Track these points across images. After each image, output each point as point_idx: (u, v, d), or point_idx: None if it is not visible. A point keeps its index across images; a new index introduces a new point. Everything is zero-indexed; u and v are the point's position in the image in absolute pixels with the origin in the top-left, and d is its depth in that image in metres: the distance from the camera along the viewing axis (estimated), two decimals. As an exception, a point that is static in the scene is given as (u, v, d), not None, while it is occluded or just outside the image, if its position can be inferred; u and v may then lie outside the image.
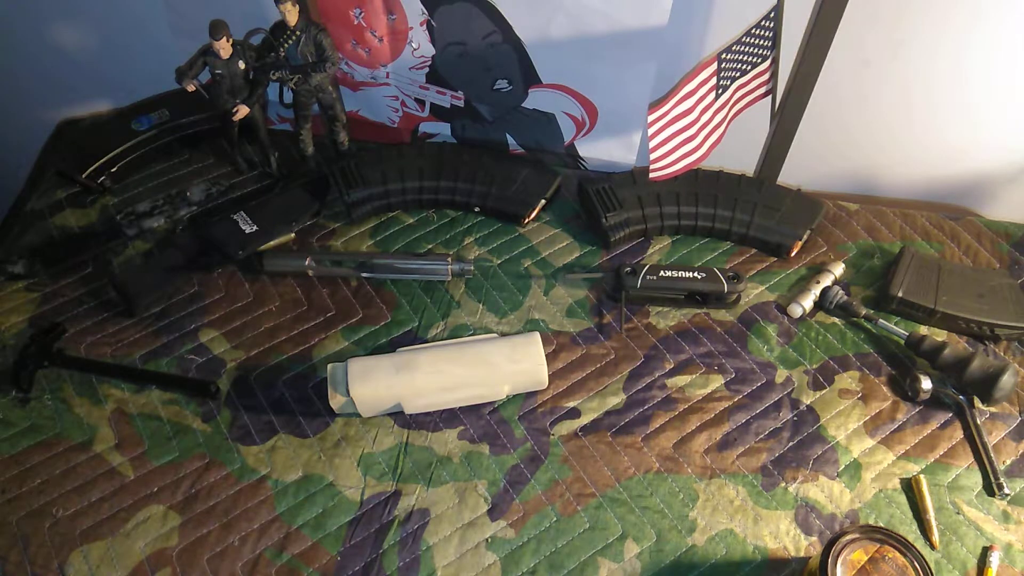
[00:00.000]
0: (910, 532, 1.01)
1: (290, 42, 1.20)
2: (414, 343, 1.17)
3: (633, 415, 1.11)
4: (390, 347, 1.17)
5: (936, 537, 0.99)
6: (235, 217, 1.25)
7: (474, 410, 1.11)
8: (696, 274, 1.19)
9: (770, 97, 1.27)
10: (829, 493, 1.04)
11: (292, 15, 1.17)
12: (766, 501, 1.03)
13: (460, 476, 1.05)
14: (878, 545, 0.87)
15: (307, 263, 1.23)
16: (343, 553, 0.98)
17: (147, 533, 0.99)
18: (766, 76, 1.24)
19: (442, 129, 1.45)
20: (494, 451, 1.07)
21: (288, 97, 1.31)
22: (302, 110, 1.32)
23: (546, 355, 1.10)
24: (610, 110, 1.34)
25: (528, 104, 1.36)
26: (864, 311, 1.20)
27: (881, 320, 1.19)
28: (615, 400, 1.12)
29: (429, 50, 1.30)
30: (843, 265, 1.26)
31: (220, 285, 1.24)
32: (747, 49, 1.16)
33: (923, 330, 1.19)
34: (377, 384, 1.05)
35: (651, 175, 1.21)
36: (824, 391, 1.13)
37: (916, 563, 0.85)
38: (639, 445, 1.08)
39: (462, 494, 1.03)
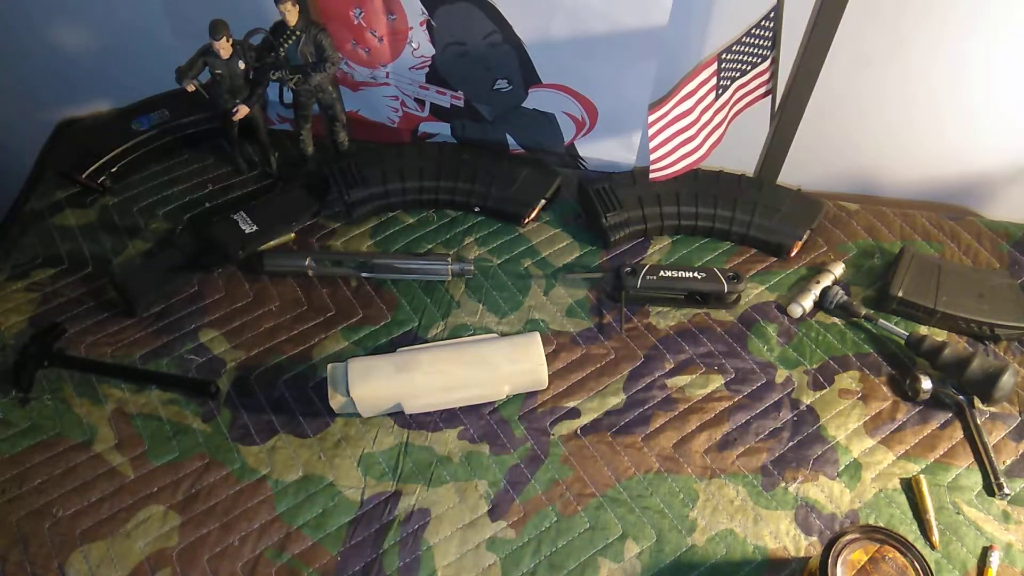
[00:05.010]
0: (910, 532, 1.00)
1: (290, 42, 1.20)
2: (414, 343, 1.16)
3: (633, 415, 1.11)
4: (390, 347, 1.16)
5: (936, 537, 0.99)
6: (235, 217, 1.25)
7: (474, 410, 1.11)
8: (696, 274, 1.19)
9: (770, 97, 1.27)
10: (829, 493, 1.04)
11: (292, 15, 1.17)
12: (766, 501, 1.03)
13: (460, 476, 1.05)
14: (878, 545, 0.87)
15: (307, 263, 1.23)
16: (343, 553, 0.98)
17: (147, 533, 0.99)
18: (766, 76, 1.24)
19: (442, 129, 1.45)
20: (494, 451, 1.07)
21: (288, 97, 1.31)
22: (302, 110, 1.32)
23: (546, 355, 1.10)
24: (610, 110, 1.34)
25: (528, 104, 1.36)
26: (864, 311, 1.20)
27: (881, 320, 1.19)
28: (615, 400, 1.12)
29: (429, 50, 1.30)
30: (843, 265, 1.26)
31: (220, 285, 1.24)
32: (747, 49, 1.16)
33: (923, 330, 1.19)
34: (377, 384, 1.05)
35: (651, 175, 1.21)
36: (824, 391, 1.13)
37: (916, 563, 0.85)
38: (639, 445, 1.08)
39: (462, 494, 1.03)
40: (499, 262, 1.28)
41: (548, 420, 1.10)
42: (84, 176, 1.34)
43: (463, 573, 0.97)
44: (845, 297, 1.21)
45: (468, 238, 1.31)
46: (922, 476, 1.04)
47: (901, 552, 0.86)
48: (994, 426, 1.10)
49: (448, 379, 1.07)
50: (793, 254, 1.28)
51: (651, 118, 1.11)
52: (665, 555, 0.99)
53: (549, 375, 1.11)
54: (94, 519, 1.00)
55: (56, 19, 1.42)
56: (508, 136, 1.43)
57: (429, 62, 1.32)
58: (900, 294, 1.18)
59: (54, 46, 1.45)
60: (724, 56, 1.13)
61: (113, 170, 1.36)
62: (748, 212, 1.28)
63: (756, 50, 1.18)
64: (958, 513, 1.02)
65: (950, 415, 1.11)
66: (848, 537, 0.87)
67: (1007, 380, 1.06)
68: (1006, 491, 1.03)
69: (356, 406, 1.05)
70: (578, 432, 1.09)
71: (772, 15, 1.14)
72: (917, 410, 1.12)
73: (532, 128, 1.40)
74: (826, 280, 1.23)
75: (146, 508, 1.01)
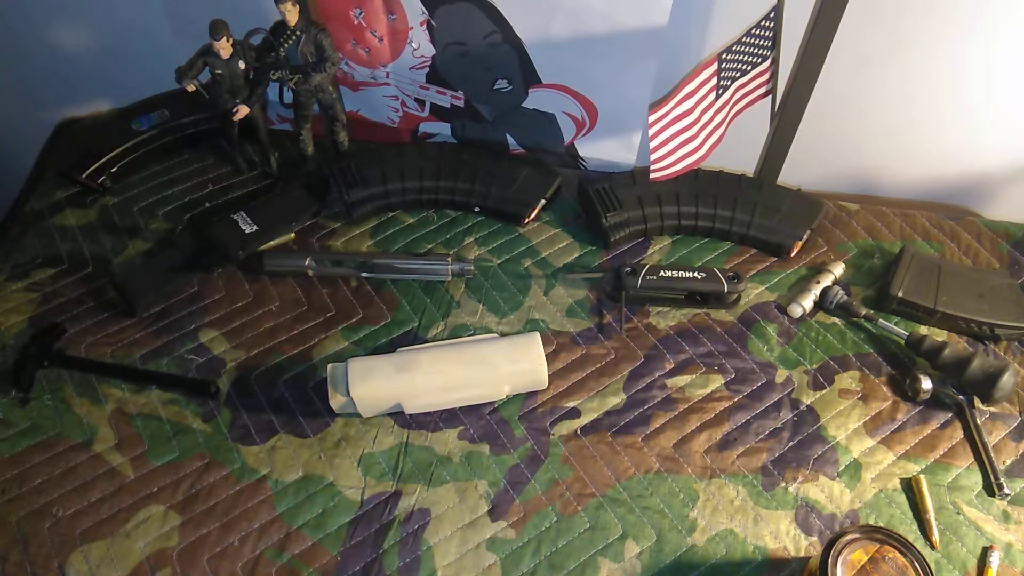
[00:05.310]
0: (910, 532, 1.00)
1: (290, 42, 1.20)
2: (414, 343, 1.16)
3: (633, 415, 1.11)
4: (390, 347, 1.16)
5: (936, 537, 0.99)
6: (235, 217, 1.25)
7: (474, 410, 1.11)
8: (696, 274, 1.19)
9: (770, 97, 1.27)
10: (829, 493, 1.04)
11: (292, 15, 1.17)
12: (766, 501, 1.03)
13: (460, 476, 1.05)
14: (878, 545, 0.87)
15: (307, 263, 1.23)
16: (343, 553, 0.98)
17: (147, 533, 0.99)
18: (766, 76, 1.24)
19: (442, 129, 1.45)
20: (494, 451, 1.07)
21: (288, 97, 1.31)
22: (302, 110, 1.32)
23: (546, 355, 1.10)
24: (610, 110, 1.34)
25: (528, 104, 1.36)
26: (864, 311, 1.20)
27: (881, 320, 1.19)
28: (615, 400, 1.12)
29: (429, 50, 1.30)
30: (843, 265, 1.26)
31: (220, 285, 1.24)
32: (747, 49, 1.16)
33: (923, 330, 1.19)
34: (377, 384, 1.05)
35: (651, 175, 1.21)
36: (824, 391, 1.13)
37: (916, 563, 0.85)
38: (639, 445, 1.08)
39: (462, 494, 1.03)
40: (499, 262, 1.28)
41: (548, 420, 1.10)
42: (84, 176, 1.34)
43: (463, 573, 0.97)
44: (845, 297, 1.21)
45: (468, 238, 1.31)
46: (922, 476, 1.04)
47: (901, 552, 0.86)
48: (994, 426, 1.10)
49: (448, 379, 1.07)
50: (793, 254, 1.28)
51: (651, 118, 1.11)
52: (665, 555, 0.99)
53: (549, 375, 1.11)
54: (94, 519, 1.00)
55: (56, 19, 1.42)
56: (508, 136, 1.43)
57: (429, 62, 1.32)
58: (900, 294, 1.18)
59: (54, 46, 1.45)
60: (724, 56, 1.13)
61: (113, 170, 1.36)
62: (748, 212, 1.28)
63: (756, 50, 1.18)
64: (958, 513, 1.02)
65: (950, 415, 1.11)
66: (848, 537, 0.87)
67: (1007, 380, 1.06)
68: (1006, 491, 1.03)
69: (356, 406, 1.05)
70: (578, 432, 1.09)
71: (772, 15, 1.14)
72: (917, 410, 1.11)
73: (532, 128, 1.40)
74: (826, 280, 1.23)
75: (146, 508, 1.01)
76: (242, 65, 1.21)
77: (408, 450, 1.07)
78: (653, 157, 1.18)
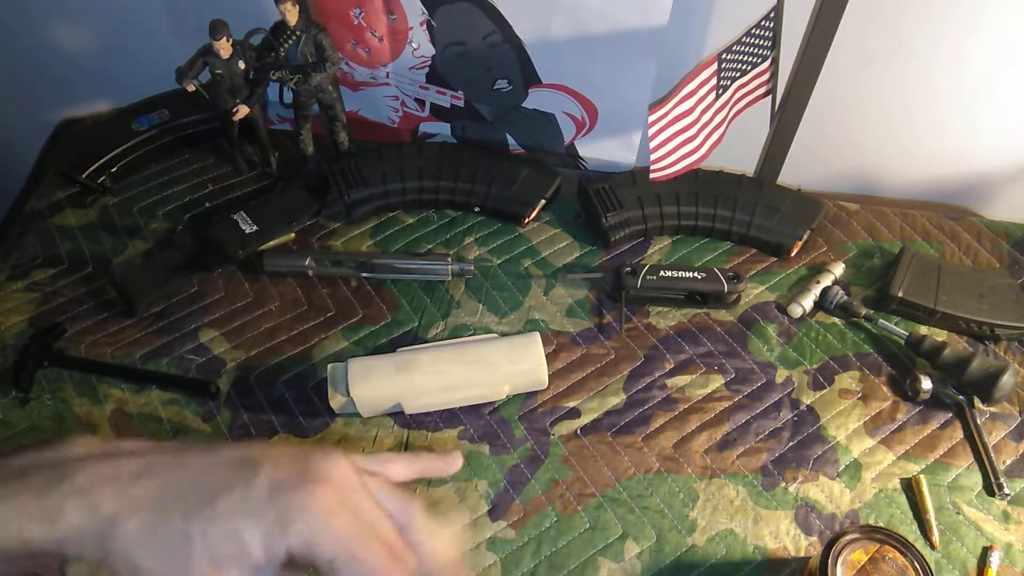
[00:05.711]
0: (910, 532, 1.00)
1: (290, 42, 1.20)
2: (414, 343, 1.16)
3: (633, 415, 1.11)
4: (390, 347, 1.16)
5: (936, 537, 0.99)
6: (235, 217, 1.25)
7: (474, 410, 1.11)
8: (696, 274, 1.19)
9: (770, 97, 1.27)
10: (829, 493, 1.04)
11: (292, 15, 1.17)
12: (766, 501, 1.03)
13: (460, 476, 1.05)
14: (878, 545, 0.86)
15: (307, 263, 1.23)
16: (343, 553, 0.98)
17: (147, 533, 0.99)
18: (766, 76, 1.24)
19: (442, 129, 1.45)
20: (494, 451, 1.07)
21: (288, 97, 1.31)
22: (302, 110, 1.32)
23: (546, 355, 1.10)
24: (610, 110, 1.34)
25: (528, 104, 1.36)
26: (864, 311, 1.20)
27: (881, 320, 1.19)
28: (615, 400, 1.12)
29: (429, 50, 1.30)
30: (843, 265, 1.26)
31: (220, 285, 1.24)
32: (747, 49, 1.16)
33: (923, 330, 1.19)
34: (377, 384, 1.05)
35: (651, 176, 1.21)
36: (824, 391, 1.13)
37: (916, 563, 0.85)
38: (639, 445, 1.08)
39: (462, 494, 1.03)
40: (499, 262, 1.28)
41: (548, 420, 1.10)
42: (84, 176, 1.34)
43: (463, 573, 0.97)
44: (845, 297, 1.21)
45: (468, 238, 1.31)
46: (922, 476, 1.04)
47: (901, 552, 0.86)
48: (994, 426, 1.10)
49: (448, 379, 1.07)
50: (793, 254, 1.28)
51: (651, 118, 1.11)
52: (665, 555, 0.99)
53: (549, 375, 1.11)
54: (94, 519, 1.00)
55: (56, 19, 1.42)
56: (508, 136, 1.43)
57: (429, 62, 1.32)
58: (900, 294, 1.18)
59: (54, 46, 1.45)
60: (724, 56, 1.13)
61: (113, 170, 1.36)
62: (748, 212, 1.28)
63: (756, 50, 1.18)
64: (958, 513, 1.02)
65: (950, 415, 1.11)
66: (848, 537, 0.87)
67: (1007, 380, 1.06)
68: (1006, 491, 1.03)
69: (356, 406, 1.05)
70: (578, 432, 1.09)
71: (772, 15, 1.14)
72: (917, 410, 1.12)
73: (532, 128, 1.40)
74: (826, 280, 1.23)
75: (146, 508, 1.01)
76: (242, 65, 1.21)
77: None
78: (653, 157, 1.18)
